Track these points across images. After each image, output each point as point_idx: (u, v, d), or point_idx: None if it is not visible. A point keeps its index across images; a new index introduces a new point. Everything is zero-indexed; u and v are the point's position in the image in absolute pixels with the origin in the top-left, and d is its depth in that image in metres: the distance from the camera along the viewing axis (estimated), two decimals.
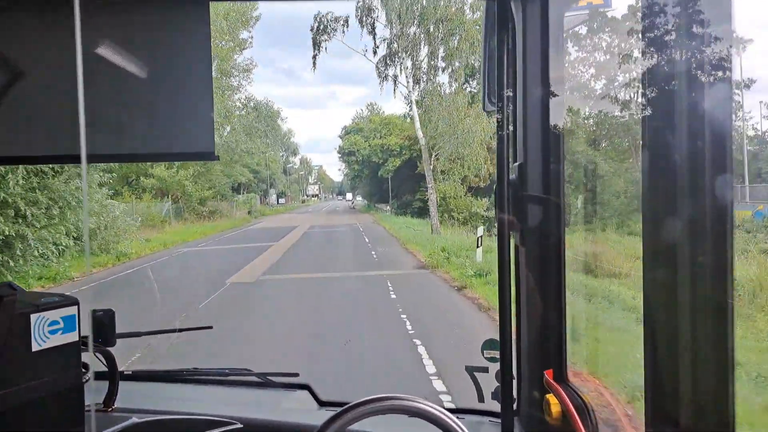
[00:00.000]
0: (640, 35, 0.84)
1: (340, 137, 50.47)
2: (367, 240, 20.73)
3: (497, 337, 1.32)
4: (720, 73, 0.72)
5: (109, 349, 1.50)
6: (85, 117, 1.15)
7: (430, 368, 5.67)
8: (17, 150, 1.30)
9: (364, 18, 21.65)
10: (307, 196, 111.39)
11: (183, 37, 1.25)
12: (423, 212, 33.14)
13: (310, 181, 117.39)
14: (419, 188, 34.26)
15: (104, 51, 1.23)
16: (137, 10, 1.25)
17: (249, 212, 41.87)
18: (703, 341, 0.76)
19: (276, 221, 35.94)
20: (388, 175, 40.87)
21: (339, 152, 50.80)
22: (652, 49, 0.80)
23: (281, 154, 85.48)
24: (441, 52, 20.60)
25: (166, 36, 1.26)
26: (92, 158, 1.36)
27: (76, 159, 1.28)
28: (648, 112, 0.81)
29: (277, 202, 69.35)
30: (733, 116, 0.82)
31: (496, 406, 1.35)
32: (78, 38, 0.54)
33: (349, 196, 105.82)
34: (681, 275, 0.76)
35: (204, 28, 1.25)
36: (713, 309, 0.74)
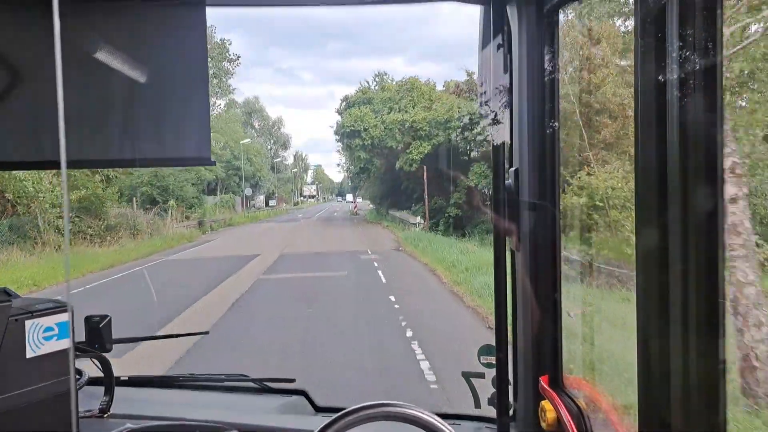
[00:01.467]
0: (633, 39, 0.96)
1: (339, 113, 36.90)
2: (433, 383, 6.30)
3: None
4: (711, 77, 0.82)
5: (105, 354, 1.69)
6: (79, 121, 1.33)
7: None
8: (27, 155, 1.41)
9: None
10: (303, 197, 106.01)
11: (178, 40, 1.38)
12: (461, 224, 25.79)
13: (306, 180, 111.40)
14: (458, 188, 27.01)
15: (98, 54, 1.35)
16: (132, 12, 1.38)
17: (200, 223, 30.61)
18: (696, 348, 0.85)
19: (230, 242, 24.65)
20: (412, 167, 29.86)
21: (337, 133, 36.89)
22: (644, 54, 0.92)
23: (268, 147, 76.47)
24: None
25: (161, 39, 1.38)
26: (84, 164, 1.50)
27: (70, 164, 1.44)
28: (640, 117, 0.92)
29: (266, 205, 63.61)
30: (724, 119, 0.97)
31: (492, 412, 1.53)
32: (57, 39, 0.65)
33: (349, 197, 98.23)
34: (673, 281, 0.87)
35: (200, 32, 1.38)
36: (705, 316, 0.84)
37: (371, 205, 56.82)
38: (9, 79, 1.35)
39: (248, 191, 47.73)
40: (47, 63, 1.30)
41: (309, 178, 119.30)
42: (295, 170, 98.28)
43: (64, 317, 1.39)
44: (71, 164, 1.44)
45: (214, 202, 40.84)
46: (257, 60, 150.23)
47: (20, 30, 1.34)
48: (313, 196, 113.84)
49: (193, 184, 35.72)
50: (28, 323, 1.32)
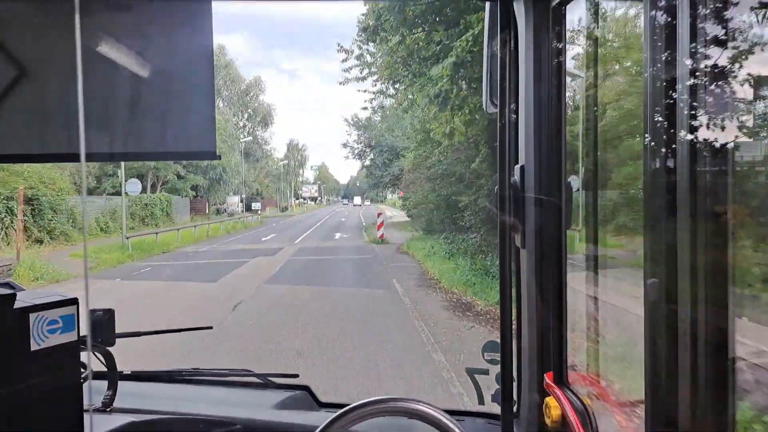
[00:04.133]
0: (642, 37, 0.99)
1: None
2: None
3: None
4: (722, 77, 0.85)
5: (109, 348, 1.73)
6: (84, 115, 1.37)
7: None
8: (15, 148, 1.43)
9: None
10: (303, 200, 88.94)
11: (185, 33, 1.40)
12: None
13: (302, 177, 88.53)
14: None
15: (104, 48, 1.38)
16: (138, 6, 1.40)
17: None
18: (704, 346, 0.87)
19: None
20: None
21: None
22: (654, 51, 0.93)
23: (240, 124, 53.26)
24: None
25: (167, 33, 1.41)
26: (92, 157, 1.53)
27: (74, 158, 1.48)
28: (649, 114, 0.94)
29: (247, 210, 47.26)
30: (734, 117, 0.98)
31: (496, 409, 1.55)
32: (77, 35, 0.66)
33: (357, 200, 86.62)
34: (681, 279, 0.88)
35: (206, 25, 1.39)
36: (713, 314, 0.86)
37: (392, 215, 36.43)
38: (29, 74, 1.38)
39: (135, 186, 24.11)
40: (66, 57, 1.33)
41: (311, 177, 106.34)
42: (285, 162, 73.71)
43: (68, 310, 1.42)
44: (89, 158, 1.47)
45: (103, 207, 25.72)
46: (260, 61, 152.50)
47: (40, 24, 1.37)
48: (314, 198, 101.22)
49: (111, 173, 24.37)
50: (32, 316, 1.35)
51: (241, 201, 46.85)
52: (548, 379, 1.46)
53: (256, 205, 51.00)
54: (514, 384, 1.53)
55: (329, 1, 1.86)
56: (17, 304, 1.35)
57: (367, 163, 43.59)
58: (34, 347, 1.35)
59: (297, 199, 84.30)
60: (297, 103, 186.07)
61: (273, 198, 62.37)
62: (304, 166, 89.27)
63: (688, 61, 0.86)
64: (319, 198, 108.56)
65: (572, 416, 1.33)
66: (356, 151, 43.96)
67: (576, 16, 1.45)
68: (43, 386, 1.36)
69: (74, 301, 1.45)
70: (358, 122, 37.56)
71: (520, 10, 1.50)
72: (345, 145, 44.94)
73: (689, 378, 0.88)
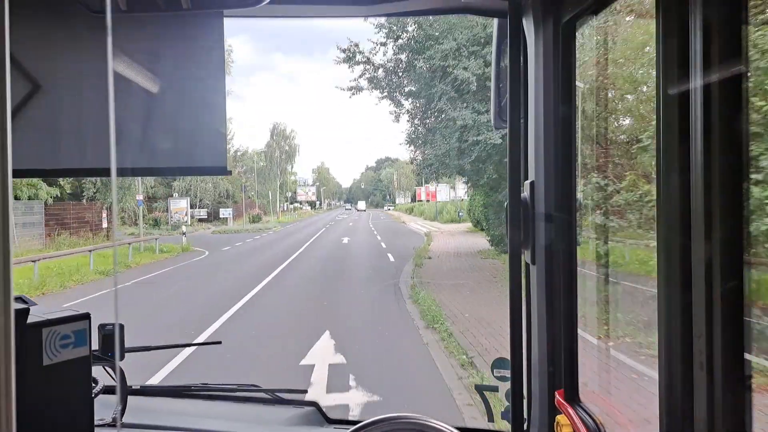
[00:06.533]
0: (654, 42, 0.99)
1: None
2: None
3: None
4: (735, 86, 0.84)
5: (119, 363, 1.73)
6: (97, 131, 1.38)
7: None
8: (45, 163, 1.45)
9: None
10: (298, 203, 74.57)
11: (197, 50, 1.44)
12: None
13: (294, 174, 70.23)
14: None
15: (120, 65, 1.40)
16: (151, 23, 1.43)
17: None
18: (720, 364, 0.86)
19: None
20: None
21: None
22: (666, 65, 0.95)
23: None
24: None
25: (180, 49, 1.44)
26: (105, 172, 1.54)
27: (105, 172, 1.49)
28: (662, 129, 0.96)
29: (212, 218, 35.72)
30: (749, 132, 0.97)
31: (506, 426, 1.58)
32: (110, 55, 0.66)
33: (361, 204, 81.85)
34: (697, 294, 0.88)
35: (218, 42, 1.43)
36: (730, 329, 0.85)
37: (427, 231, 23.76)
38: (33, 88, 1.40)
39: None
40: (69, 73, 1.37)
41: (309, 178, 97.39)
42: (263, 150, 56.28)
43: (80, 325, 1.43)
44: (91, 172, 1.49)
45: None
46: (261, 65, 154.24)
47: (70, 42, 1.40)
48: (312, 203, 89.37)
49: None
50: (44, 331, 1.36)
51: (208, 208, 32.60)
52: (559, 396, 1.46)
53: (225, 213, 37.34)
54: (525, 401, 1.53)
55: (333, 18, 1.88)
56: (30, 319, 1.36)
57: (416, 122, 18.03)
58: (46, 362, 1.36)
59: (292, 203, 68.63)
60: (295, 106, 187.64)
61: (254, 203, 47.93)
62: (294, 160, 66.51)
63: (701, 77, 0.86)
64: (318, 202, 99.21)
65: None
66: (389, 88, 17.50)
67: (586, 32, 1.46)
68: (54, 401, 1.38)
69: (86, 316, 1.46)
70: (391, 23, 15.37)
71: (529, 27, 1.51)
72: (353, 89, 18.07)
73: (705, 397, 0.88)
